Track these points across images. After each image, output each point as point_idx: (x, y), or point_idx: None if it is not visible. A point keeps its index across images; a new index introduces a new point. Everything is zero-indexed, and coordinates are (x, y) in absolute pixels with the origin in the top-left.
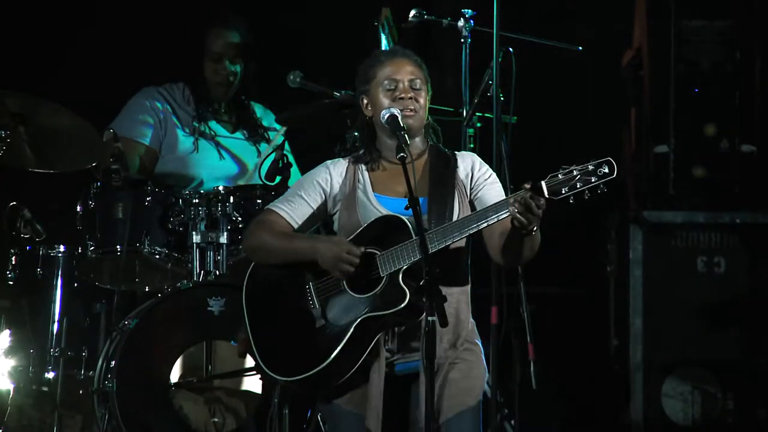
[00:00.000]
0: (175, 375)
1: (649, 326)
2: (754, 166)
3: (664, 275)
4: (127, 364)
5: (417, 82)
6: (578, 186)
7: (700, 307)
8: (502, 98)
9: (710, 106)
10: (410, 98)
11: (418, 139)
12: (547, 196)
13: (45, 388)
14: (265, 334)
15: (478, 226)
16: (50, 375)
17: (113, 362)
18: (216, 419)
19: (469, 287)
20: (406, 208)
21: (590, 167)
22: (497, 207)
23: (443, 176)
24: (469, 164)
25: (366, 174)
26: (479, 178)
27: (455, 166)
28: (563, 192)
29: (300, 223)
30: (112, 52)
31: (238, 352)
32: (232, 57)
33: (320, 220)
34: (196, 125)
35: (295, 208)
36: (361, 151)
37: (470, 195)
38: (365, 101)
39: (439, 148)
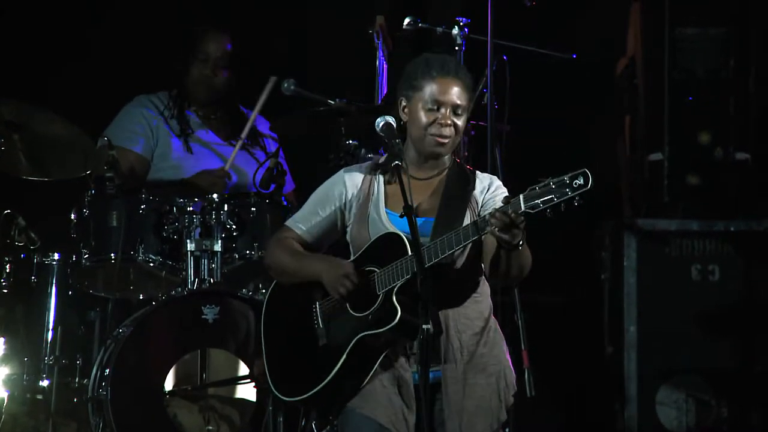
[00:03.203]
0: (169, 383)
1: (644, 334)
2: (748, 174)
3: (658, 283)
4: (121, 372)
5: (460, 108)
6: (554, 199)
7: (695, 315)
8: (495, 106)
9: (704, 114)
10: (449, 125)
11: (446, 157)
12: (523, 209)
13: (39, 396)
14: (276, 353)
15: (460, 244)
16: (44, 383)
17: (107, 370)
18: (210, 427)
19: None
20: (401, 216)
21: (566, 179)
22: (480, 223)
23: (457, 196)
24: (486, 185)
25: (382, 187)
26: (489, 198)
27: (473, 186)
28: (540, 205)
29: (316, 239)
30: (106, 60)
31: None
32: (223, 60)
33: (338, 233)
34: (188, 132)
35: (311, 226)
36: (381, 160)
37: (479, 214)
38: (403, 104)
39: (462, 166)
